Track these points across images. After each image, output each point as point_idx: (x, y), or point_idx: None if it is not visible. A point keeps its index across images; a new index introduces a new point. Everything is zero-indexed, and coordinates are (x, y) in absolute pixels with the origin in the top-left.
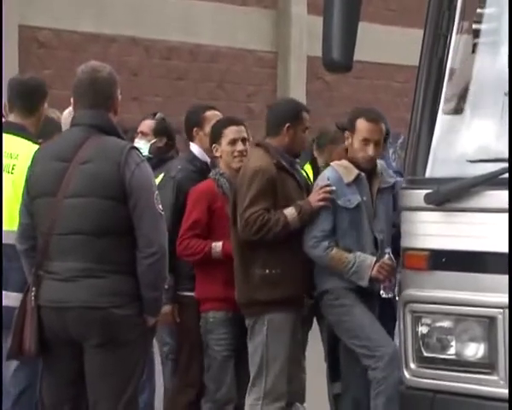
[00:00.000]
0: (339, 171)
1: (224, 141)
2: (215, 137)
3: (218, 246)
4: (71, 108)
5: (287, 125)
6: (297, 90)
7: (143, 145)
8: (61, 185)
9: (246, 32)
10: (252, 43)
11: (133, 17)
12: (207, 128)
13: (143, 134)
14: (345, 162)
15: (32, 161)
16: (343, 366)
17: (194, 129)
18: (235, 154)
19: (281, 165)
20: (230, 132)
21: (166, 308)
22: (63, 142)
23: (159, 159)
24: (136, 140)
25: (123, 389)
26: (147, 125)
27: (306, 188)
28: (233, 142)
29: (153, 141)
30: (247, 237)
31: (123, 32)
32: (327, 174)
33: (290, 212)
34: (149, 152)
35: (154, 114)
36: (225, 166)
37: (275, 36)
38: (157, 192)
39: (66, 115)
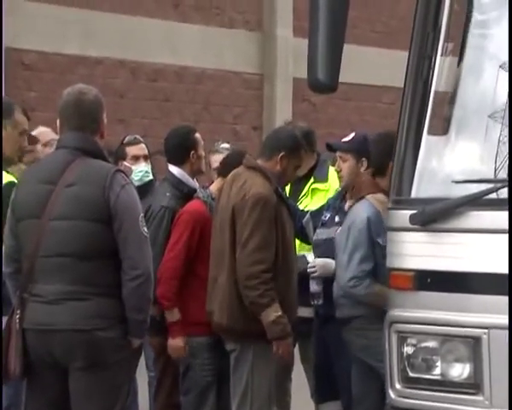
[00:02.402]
0: (377, 206)
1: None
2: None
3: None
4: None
5: (282, 153)
6: (283, 112)
7: (146, 167)
8: (46, 208)
9: (232, 55)
10: (238, 66)
11: (119, 39)
12: (201, 150)
13: (137, 158)
14: (381, 196)
15: (17, 183)
16: (358, 386)
17: (192, 152)
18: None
19: (278, 192)
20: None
21: (179, 342)
22: (49, 164)
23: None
24: (138, 165)
25: None
26: (140, 148)
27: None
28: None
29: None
30: (245, 283)
31: (109, 54)
32: (366, 214)
33: (275, 310)
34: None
35: (134, 138)
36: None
37: (261, 58)
38: (142, 215)
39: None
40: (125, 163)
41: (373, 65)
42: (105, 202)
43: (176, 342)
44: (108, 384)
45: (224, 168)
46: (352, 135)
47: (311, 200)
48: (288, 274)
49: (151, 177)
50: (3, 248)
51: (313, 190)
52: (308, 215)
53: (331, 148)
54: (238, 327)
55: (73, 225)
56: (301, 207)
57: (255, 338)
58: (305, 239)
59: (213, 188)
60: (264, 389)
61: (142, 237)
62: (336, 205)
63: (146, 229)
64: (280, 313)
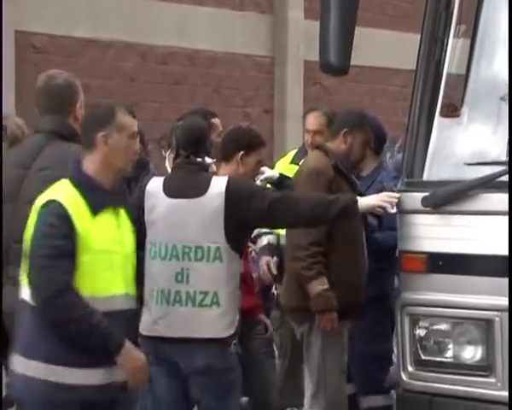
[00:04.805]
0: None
1: None
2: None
3: None
4: None
5: (345, 129)
6: (294, 95)
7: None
8: (20, 192)
9: (243, 37)
10: (249, 48)
11: (129, 22)
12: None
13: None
14: None
15: None
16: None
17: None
18: None
19: (338, 168)
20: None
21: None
22: (24, 148)
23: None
24: None
25: None
26: None
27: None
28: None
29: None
30: (292, 254)
31: (119, 37)
32: None
33: (321, 283)
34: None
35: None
36: None
37: (272, 41)
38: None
39: None
40: None
41: (384, 47)
42: None
43: None
44: None
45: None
46: None
47: None
48: (352, 253)
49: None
50: None
51: None
52: None
53: None
54: (302, 306)
55: None
56: None
57: None
58: None
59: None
60: (336, 368)
61: None
62: None
63: None
64: (325, 287)
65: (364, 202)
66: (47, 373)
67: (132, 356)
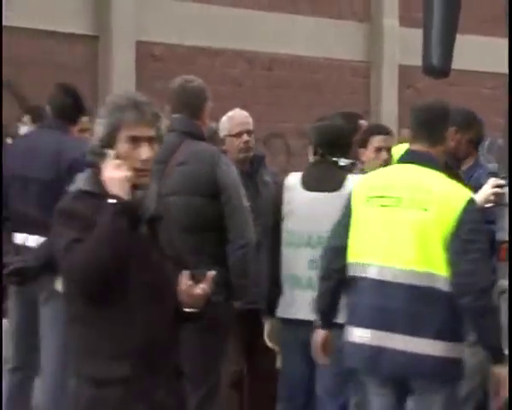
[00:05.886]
0: None
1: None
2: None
3: None
4: (230, 113)
5: (453, 128)
6: (389, 98)
7: None
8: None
9: (341, 44)
10: (347, 54)
11: (237, 32)
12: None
13: None
14: None
15: None
16: None
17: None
18: (380, 161)
19: (447, 164)
20: (377, 141)
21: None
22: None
23: None
24: None
25: (210, 372)
26: None
27: None
28: (378, 150)
29: None
30: None
31: (228, 45)
32: None
33: None
34: None
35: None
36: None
37: (368, 47)
38: (244, 191)
39: (225, 120)
40: None
41: (476, 51)
42: (214, 178)
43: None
44: (214, 346)
45: None
46: None
47: None
48: None
49: None
50: None
51: None
52: None
53: None
54: None
55: (183, 200)
56: None
57: None
58: None
59: None
60: None
61: (247, 211)
62: None
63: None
64: None
65: (479, 196)
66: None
67: None
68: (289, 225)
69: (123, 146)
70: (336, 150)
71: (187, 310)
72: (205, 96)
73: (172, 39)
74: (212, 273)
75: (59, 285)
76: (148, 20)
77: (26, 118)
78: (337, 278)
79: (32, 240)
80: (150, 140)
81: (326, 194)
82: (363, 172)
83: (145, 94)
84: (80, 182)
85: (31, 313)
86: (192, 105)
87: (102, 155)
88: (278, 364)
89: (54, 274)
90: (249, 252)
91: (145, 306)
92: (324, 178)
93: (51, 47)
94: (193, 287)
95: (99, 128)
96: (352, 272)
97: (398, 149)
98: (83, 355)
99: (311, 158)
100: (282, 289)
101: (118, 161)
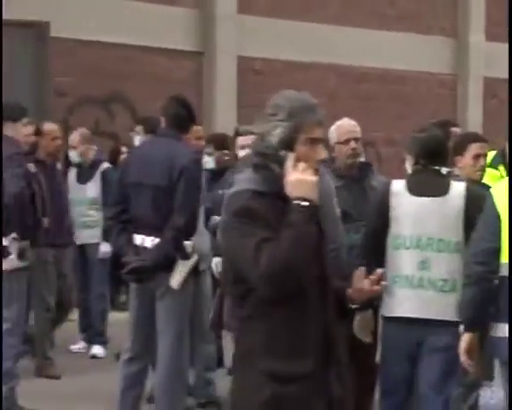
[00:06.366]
0: None
1: (468, 155)
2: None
3: None
4: (339, 122)
5: None
6: (475, 109)
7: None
8: None
9: (429, 58)
10: (435, 68)
11: (329, 47)
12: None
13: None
14: None
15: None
16: None
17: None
18: (478, 168)
19: None
20: (475, 148)
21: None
22: None
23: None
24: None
25: None
26: (245, 139)
27: None
28: (476, 157)
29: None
30: None
31: (321, 59)
32: None
33: None
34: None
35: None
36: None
37: (455, 61)
38: (336, 199)
39: (333, 128)
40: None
41: None
42: None
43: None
44: None
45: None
46: None
47: None
48: None
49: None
50: None
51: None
52: None
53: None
54: None
55: None
56: None
57: None
58: None
59: None
60: None
61: (337, 217)
62: None
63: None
64: None
65: None
66: None
67: None
68: (398, 229)
69: (302, 148)
70: (437, 160)
71: (352, 306)
72: None
73: (270, 55)
74: (380, 271)
75: (173, 282)
76: (248, 37)
77: (139, 128)
78: (491, 279)
79: (148, 241)
80: (322, 141)
81: (433, 198)
82: (458, 178)
83: (247, 104)
84: (246, 182)
85: (148, 307)
86: None
87: (276, 157)
88: (377, 358)
89: (168, 272)
90: (340, 254)
91: (317, 301)
92: (430, 184)
93: (160, 62)
94: (365, 284)
95: (276, 131)
96: (503, 272)
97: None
98: (262, 352)
99: (412, 167)
100: (387, 288)
101: (303, 164)
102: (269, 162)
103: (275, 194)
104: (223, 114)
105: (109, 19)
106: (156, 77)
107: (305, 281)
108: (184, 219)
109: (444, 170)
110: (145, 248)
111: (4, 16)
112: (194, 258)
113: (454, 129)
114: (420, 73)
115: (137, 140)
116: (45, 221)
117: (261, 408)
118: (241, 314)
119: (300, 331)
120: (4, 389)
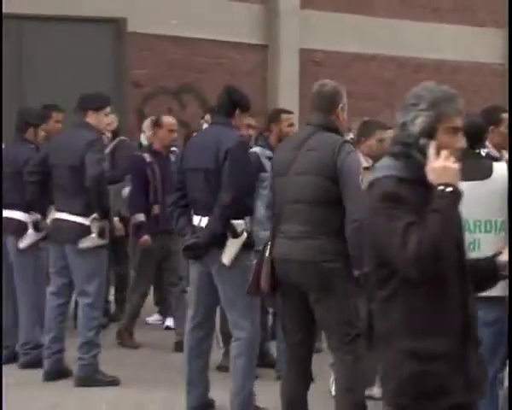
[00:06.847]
0: None
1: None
2: None
3: None
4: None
5: None
6: None
7: None
8: (292, 166)
9: (482, 49)
10: (487, 58)
11: (389, 39)
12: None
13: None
14: None
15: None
16: None
17: (491, 127)
18: None
19: None
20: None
21: None
22: (298, 135)
23: None
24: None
25: (344, 329)
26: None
27: None
28: None
29: None
30: None
31: (380, 51)
32: None
33: None
34: None
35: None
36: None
37: (506, 51)
38: (361, 177)
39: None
40: None
41: None
42: (333, 164)
43: None
44: (339, 311)
45: None
46: None
47: None
48: None
49: None
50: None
51: None
52: None
53: None
54: None
55: (309, 179)
56: None
57: None
58: None
59: None
60: None
61: (360, 192)
62: None
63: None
64: None
65: None
66: None
67: None
68: None
69: (443, 136)
70: (476, 144)
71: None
72: (335, 95)
73: (331, 47)
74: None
75: (225, 259)
76: (310, 30)
77: (207, 117)
78: None
79: (204, 221)
80: (461, 130)
81: (477, 182)
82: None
83: (308, 95)
84: (388, 169)
85: (206, 281)
86: (325, 103)
87: (418, 146)
88: None
89: (220, 248)
90: (359, 228)
91: (456, 280)
92: (473, 168)
93: (227, 55)
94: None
95: (417, 120)
96: None
97: None
98: (402, 332)
99: None
100: None
101: (445, 152)
102: (410, 151)
103: (417, 180)
104: (286, 104)
105: (181, 15)
106: (224, 69)
107: (449, 263)
108: (230, 196)
109: (483, 151)
110: (201, 227)
111: (85, 14)
112: (243, 236)
113: (504, 115)
114: (473, 63)
115: (204, 127)
116: (156, 208)
117: (402, 386)
118: (381, 295)
119: (440, 311)
120: (87, 356)
